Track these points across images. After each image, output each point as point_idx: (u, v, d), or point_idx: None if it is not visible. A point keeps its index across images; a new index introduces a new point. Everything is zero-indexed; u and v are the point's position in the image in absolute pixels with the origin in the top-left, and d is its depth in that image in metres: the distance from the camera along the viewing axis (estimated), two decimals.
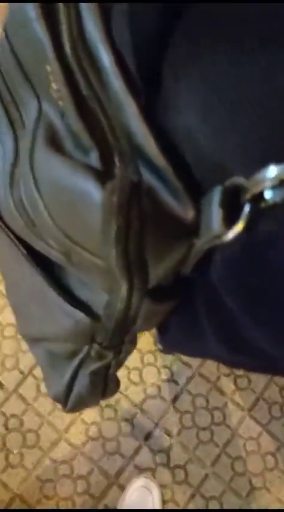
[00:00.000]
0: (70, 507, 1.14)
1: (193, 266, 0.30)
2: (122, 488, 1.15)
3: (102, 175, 0.24)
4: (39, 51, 0.25)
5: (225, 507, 1.16)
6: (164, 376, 1.24)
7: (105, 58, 0.24)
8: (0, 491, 1.14)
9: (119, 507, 1.12)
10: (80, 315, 0.34)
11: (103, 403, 1.20)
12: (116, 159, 0.24)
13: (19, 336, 1.24)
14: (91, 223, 0.25)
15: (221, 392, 1.24)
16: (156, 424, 1.20)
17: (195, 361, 1.25)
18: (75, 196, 0.25)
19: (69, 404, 0.45)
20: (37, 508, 1.13)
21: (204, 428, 1.21)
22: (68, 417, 1.19)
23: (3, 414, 1.18)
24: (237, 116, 0.22)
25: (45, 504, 1.13)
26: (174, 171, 0.25)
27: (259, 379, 1.26)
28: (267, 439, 1.22)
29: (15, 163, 0.30)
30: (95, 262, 0.28)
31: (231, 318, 0.30)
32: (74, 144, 0.25)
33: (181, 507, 1.16)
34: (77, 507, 1.14)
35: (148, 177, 0.25)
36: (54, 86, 0.25)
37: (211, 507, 1.16)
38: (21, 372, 1.21)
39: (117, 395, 1.21)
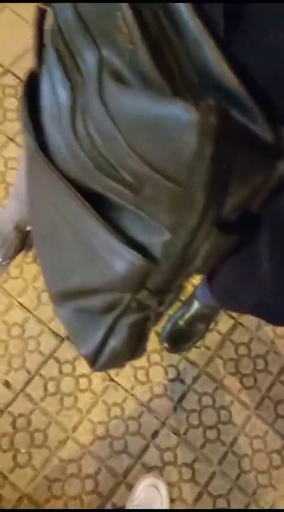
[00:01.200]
0: (78, 506, 1.14)
1: (266, 200, 0.31)
2: (130, 487, 1.16)
3: (188, 102, 0.24)
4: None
5: (232, 505, 1.17)
6: (170, 375, 1.25)
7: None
8: (9, 491, 1.14)
9: (127, 506, 1.12)
10: (137, 256, 0.34)
11: (110, 401, 1.21)
12: (188, 94, 0.25)
13: (25, 335, 1.24)
14: (182, 145, 0.25)
15: (228, 391, 1.25)
16: (163, 423, 1.21)
17: (201, 360, 1.26)
18: (162, 123, 0.25)
19: (101, 360, 0.45)
20: (37, 508, 1.13)
21: (210, 427, 1.22)
22: (75, 416, 1.19)
23: (11, 414, 1.18)
24: None
25: (53, 503, 1.14)
26: (253, 100, 0.25)
27: (265, 378, 1.27)
28: (273, 437, 1.23)
29: (74, 111, 0.31)
30: (171, 189, 0.28)
31: None
32: (142, 83, 0.26)
33: (188, 505, 1.16)
34: (85, 506, 1.14)
35: (228, 107, 0.25)
36: (124, 29, 0.25)
37: (218, 505, 1.17)
38: (28, 372, 1.21)
39: (124, 394, 1.22)
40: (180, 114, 0.24)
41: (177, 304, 1.29)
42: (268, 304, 0.43)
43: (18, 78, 1.47)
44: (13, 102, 1.45)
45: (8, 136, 1.41)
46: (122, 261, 0.35)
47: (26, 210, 0.50)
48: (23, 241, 0.97)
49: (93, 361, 0.47)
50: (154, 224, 0.33)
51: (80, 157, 0.33)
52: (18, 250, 0.90)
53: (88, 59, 0.30)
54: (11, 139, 1.41)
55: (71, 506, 1.14)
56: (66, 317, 0.48)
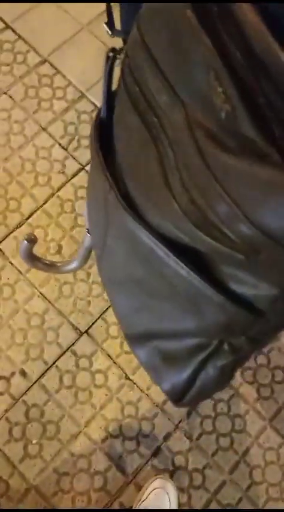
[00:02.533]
0: (85, 502, 1.13)
1: None
2: (139, 487, 1.14)
3: None
4: (203, 54, 0.24)
5: None
6: None
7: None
8: (17, 481, 1.13)
9: (135, 507, 1.11)
10: (240, 311, 0.33)
11: (124, 399, 1.19)
12: None
13: (45, 326, 1.23)
14: None
15: (244, 399, 1.23)
16: (176, 426, 1.19)
17: None
18: (276, 190, 0.24)
19: (187, 398, 0.46)
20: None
21: (224, 435, 1.20)
22: (89, 411, 1.18)
23: (25, 403, 1.17)
24: None
25: (60, 497, 1.13)
26: None
27: (282, 390, 1.25)
28: None
29: (162, 162, 0.29)
30: None
31: None
32: (242, 147, 0.24)
33: None
34: (92, 503, 1.13)
35: None
36: (219, 89, 0.24)
37: None
38: (45, 363, 1.20)
39: (139, 394, 1.20)
40: None
41: None
42: None
43: (55, 68, 1.47)
44: (48, 92, 1.44)
45: (41, 126, 1.41)
46: (225, 314, 0.34)
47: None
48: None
49: (179, 398, 0.48)
50: (259, 282, 0.32)
51: (175, 212, 0.31)
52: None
53: (173, 114, 0.28)
54: (44, 129, 1.40)
55: (78, 502, 1.13)
56: (146, 356, 0.47)
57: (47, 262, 0.95)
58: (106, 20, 0.48)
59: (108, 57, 0.40)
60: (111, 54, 0.40)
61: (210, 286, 0.33)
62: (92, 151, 0.40)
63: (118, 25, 0.49)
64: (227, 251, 0.29)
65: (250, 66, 0.23)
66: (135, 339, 0.47)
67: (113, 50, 0.39)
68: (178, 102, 0.27)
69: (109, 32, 0.47)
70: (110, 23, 0.45)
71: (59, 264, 0.97)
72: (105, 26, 0.48)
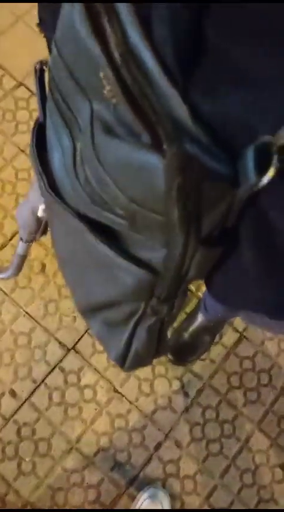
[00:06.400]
0: None
1: (237, 216, 0.37)
2: (132, 498, 1.16)
3: (158, 150, 0.30)
4: (91, 61, 0.30)
5: None
6: (175, 388, 1.26)
7: (149, 60, 0.29)
8: (12, 499, 1.15)
9: None
10: (142, 272, 0.41)
11: (114, 412, 1.22)
12: (163, 138, 0.30)
13: (32, 345, 1.26)
14: (156, 186, 0.31)
15: (231, 405, 1.26)
16: (166, 435, 1.22)
17: (205, 373, 1.27)
18: (140, 168, 0.31)
19: (127, 363, 0.54)
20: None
21: (213, 441, 1.23)
22: (79, 427, 1.21)
23: (16, 422, 1.20)
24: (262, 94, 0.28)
25: None
26: (212, 140, 0.31)
27: (269, 393, 1.27)
28: (276, 452, 1.23)
29: (75, 155, 0.38)
30: (157, 219, 0.35)
31: (276, 246, 0.37)
32: (126, 132, 0.31)
33: None
34: None
35: (192, 149, 0.31)
36: (107, 87, 0.30)
37: None
38: (34, 381, 1.23)
39: (128, 406, 1.23)
40: (153, 161, 0.30)
41: (182, 317, 1.30)
42: (266, 297, 0.48)
43: (31, 91, 1.50)
44: (25, 115, 1.47)
45: (19, 148, 1.43)
46: (132, 276, 0.42)
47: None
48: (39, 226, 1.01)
49: (122, 363, 0.56)
50: (152, 244, 0.39)
51: (81, 195, 0.39)
52: (35, 233, 0.93)
53: (83, 111, 0.35)
54: (22, 151, 1.43)
55: None
56: (96, 329, 0.56)
57: None
58: None
59: (35, 70, 0.47)
60: (38, 66, 0.47)
61: (116, 253, 0.41)
62: (30, 151, 0.47)
63: None
64: (116, 219, 0.38)
65: (126, 61, 0.29)
66: (85, 313, 0.56)
67: (41, 62, 0.47)
68: (87, 100, 0.34)
69: None
70: None
71: None
72: None
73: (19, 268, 0.80)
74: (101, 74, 0.30)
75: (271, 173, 0.30)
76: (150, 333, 0.50)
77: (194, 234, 0.35)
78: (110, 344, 0.55)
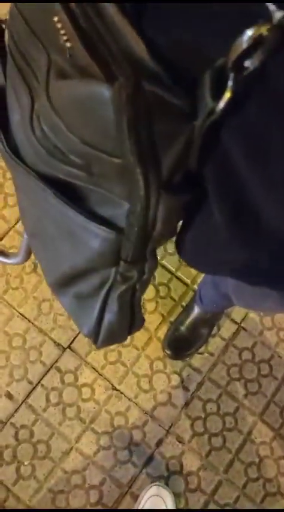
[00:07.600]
0: None
1: (200, 158, 0.34)
2: (135, 497, 1.14)
3: (110, 80, 0.29)
4: (46, 6, 0.29)
5: None
6: (174, 383, 1.23)
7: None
8: (12, 504, 1.12)
9: None
10: (106, 230, 0.38)
11: (113, 410, 1.19)
12: (117, 73, 0.29)
13: (27, 346, 1.23)
14: (106, 119, 0.30)
15: (232, 397, 1.23)
16: (168, 431, 1.19)
17: (204, 366, 1.25)
18: (90, 101, 0.30)
19: (101, 336, 0.51)
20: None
21: (215, 434, 1.20)
22: (78, 427, 1.18)
23: (13, 425, 1.17)
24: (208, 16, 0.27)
25: None
26: (166, 72, 0.30)
27: (270, 383, 1.25)
28: (280, 443, 1.21)
29: (32, 111, 0.36)
30: (113, 162, 0.33)
31: (244, 197, 0.35)
32: (80, 73, 0.30)
33: None
34: None
35: (149, 86, 0.29)
36: (62, 31, 0.29)
37: None
38: (30, 382, 1.20)
39: (127, 403, 1.20)
40: (102, 92, 0.29)
41: (178, 310, 1.28)
42: (238, 261, 0.46)
43: None
44: None
45: None
46: (95, 237, 0.40)
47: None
48: None
49: (95, 338, 0.53)
50: (113, 198, 0.37)
51: (38, 149, 0.38)
52: None
53: (41, 63, 0.34)
54: None
55: None
56: (67, 305, 0.53)
57: None
58: None
59: None
60: None
61: (76, 211, 0.39)
62: None
63: None
64: (73, 170, 0.36)
65: (85, 9, 0.28)
66: (56, 289, 0.52)
67: (0, 21, 0.45)
68: (44, 52, 0.33)
69: None
70: None
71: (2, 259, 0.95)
72: None
73: (29, 252, 0.78)
74: (55, 19, 0.29)
75: (227, 95, 0.28)
76: (122, 302, 0.47)
77: (153, 175, 0.34)
78: (82, 319, 0.52)
